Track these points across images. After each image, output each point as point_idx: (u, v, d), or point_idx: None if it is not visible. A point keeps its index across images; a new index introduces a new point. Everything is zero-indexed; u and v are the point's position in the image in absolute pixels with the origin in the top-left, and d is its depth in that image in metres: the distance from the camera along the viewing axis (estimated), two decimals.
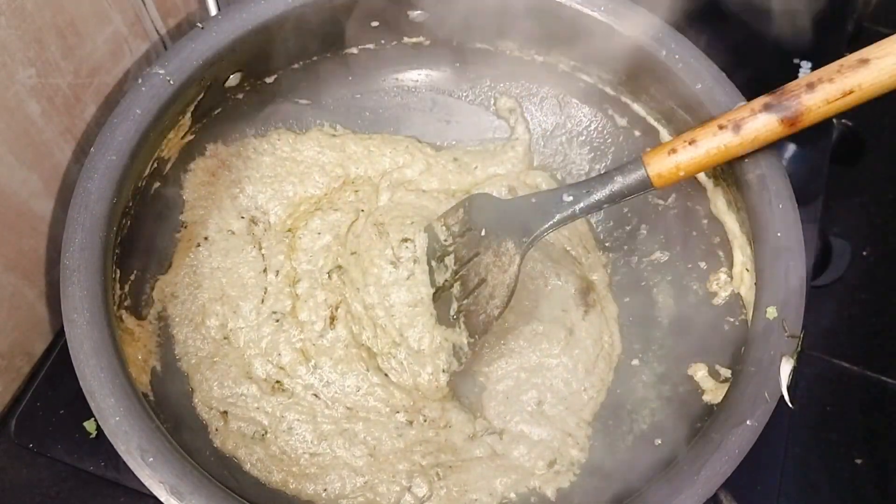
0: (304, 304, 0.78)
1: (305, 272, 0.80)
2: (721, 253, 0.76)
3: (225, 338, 0.77)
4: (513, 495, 0.72)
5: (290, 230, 0.83)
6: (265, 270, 0.80)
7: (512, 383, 0.77)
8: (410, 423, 0.74)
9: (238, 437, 0.72)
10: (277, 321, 0.77)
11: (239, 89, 0.81)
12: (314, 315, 0.78)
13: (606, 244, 0.86)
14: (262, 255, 0.81)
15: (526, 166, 0.88)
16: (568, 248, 0.84)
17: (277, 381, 0.75)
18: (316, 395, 0.75)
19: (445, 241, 0.76)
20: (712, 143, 0.63)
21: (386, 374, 0.75)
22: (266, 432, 0.73)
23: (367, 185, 0.85)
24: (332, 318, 0.77)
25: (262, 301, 0.78)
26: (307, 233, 0.82)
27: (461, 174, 0.87)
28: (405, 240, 0.76)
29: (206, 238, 0.80)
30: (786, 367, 0.61)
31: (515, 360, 0.78)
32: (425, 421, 0.74)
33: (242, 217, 0.82)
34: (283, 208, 0.84)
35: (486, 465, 0.73)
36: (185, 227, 0.80)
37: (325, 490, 0.71)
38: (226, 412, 0.73)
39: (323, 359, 0.76)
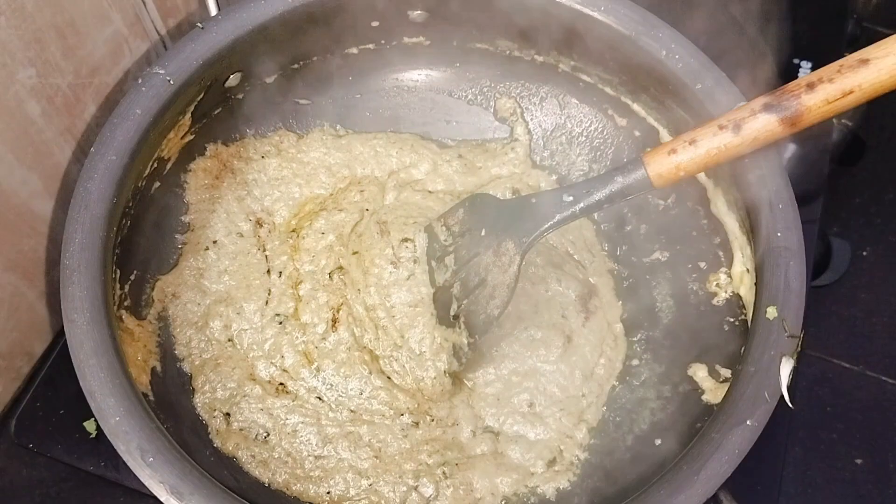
0: (307, 305, 0.78)
1: (308, 273, 0.80)
2: (721, 253, 0.76)
3: (229, 339, 0.77)
4: (513, 494, 0.72)
5: (294, 231, 0.83)
6: (269, 272, 0.80)
7: (502, 386, 0.76)
8: (416, 424, 0.74)
9: (240, 439, 0.72)
10: (280, 323, 0.77)
11: (239, 89, 0.81)
12: (316, 317, 0.78)
13: (607, 245, 0.86)
14: (266, 256, 0.81)
15: (527, 167, 0.88)
16: (572, 252, 0.84)
17: (281, 384, 0.75)
18: (319, 398, 0.75)
19: (445, 241, 0.76)
20: (712, 143, 0.63)
21: (389, 377, 0.75)
22: (269, 434, 0.72)
23: (373, 185, 0.85)
24: (335, 321, 0.77)
25: (266, 303, 0.78)
26: (311, 233, 0.82)
27: (467, 175, 0.87)
28: (405, 240, 0.76)
29: (214, 242, 0.80)
30: (786, 367, 0.61)
31: (508, 365, 0.77)
32: (433, 420, 0.74)
33: (249, 219, 0.82)
34: (288, 209, 0.84)
35: (488, 461, 0.72)
36: (192, 231, 0.80)
37: (328, 493, 0.70)
38: (228, 414, 0.73)
39: (326, 361, 0.76)
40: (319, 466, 0.72)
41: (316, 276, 0.80)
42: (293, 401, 0.74)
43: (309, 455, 0.72)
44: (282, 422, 0.73)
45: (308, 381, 0.76)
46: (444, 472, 0.71)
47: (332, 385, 0.75)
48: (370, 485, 0.71)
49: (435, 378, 0.73)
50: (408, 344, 0.74)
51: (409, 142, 0.88)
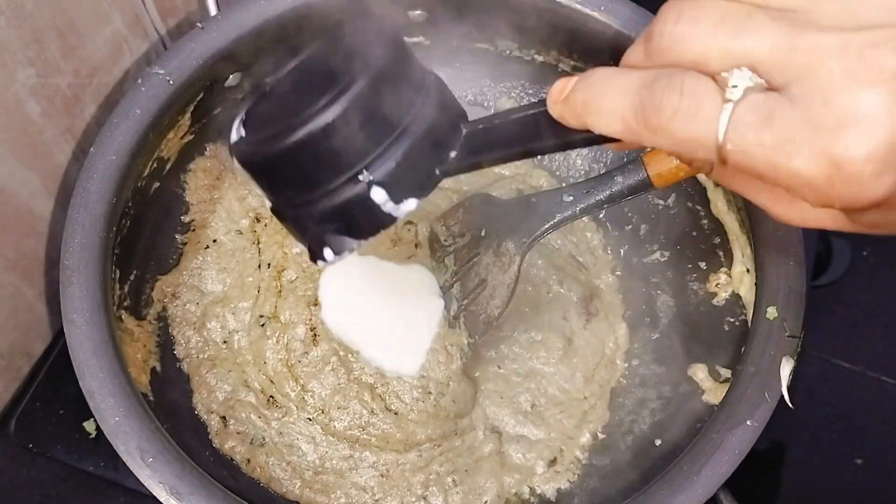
0: (285, 301, 0.75)
1: (294, 257, 0.77)
2: (721, 253, 0.76)
3: (224, 341, 0.75)
4: (514, 495, 0.72)
5: None
6: (259, 266, 0.78)
7: (504, 385, 0.76)
8: (438, 445, 0.71)
9: (237, 442, 0.71)
10: (262, 326, 0.75)
11: (239, 89, 0.80)
12: (294, 314, 0.74)
13: (608, 246, 0.85)
14: (259, 249, 0.79)
15: (530, 166, 0.88)
16: (575, 254, 0.83)
17: (271, 396, 0.73)
18: (310, 419, 0.72)
19: (445, 241, 0.76)
20: None
21: (396, 413, 0.72)
22: (265, 442, 0.71)
23: None
24: (314, 332, 0.74)
25: (255, 302, 0.76)
26: None
27: (473, 174, 0.85)
28: (409, 223, 0.76)
29: (214, 241, 0.79)
30: (786, 368, 0.61)
31: (509, 366, 0.77)
32: (456, 434, 0.72)
33: (249, 215, 0.81)
34: None
35: (493, 462, 0.72)
36: (192, 231, 0.79)
37: None
38: (224, 417, 0.72)
39: (312, 383, 0.72)
40: (319, 481, 0.70)
41: (301, 257, 0.77)
42: (284, 415, 0.72)
43: (307, 469, 0.70)
44: (277, 433, 0.71)
45: (294, 399, 0.72)
46: (453, 480, 0.70)
47: (322, 411, 0.72)
48: (376, 501, 0.69)
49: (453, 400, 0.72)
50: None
51: None
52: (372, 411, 0.71)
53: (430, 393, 0.72)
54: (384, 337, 0.73)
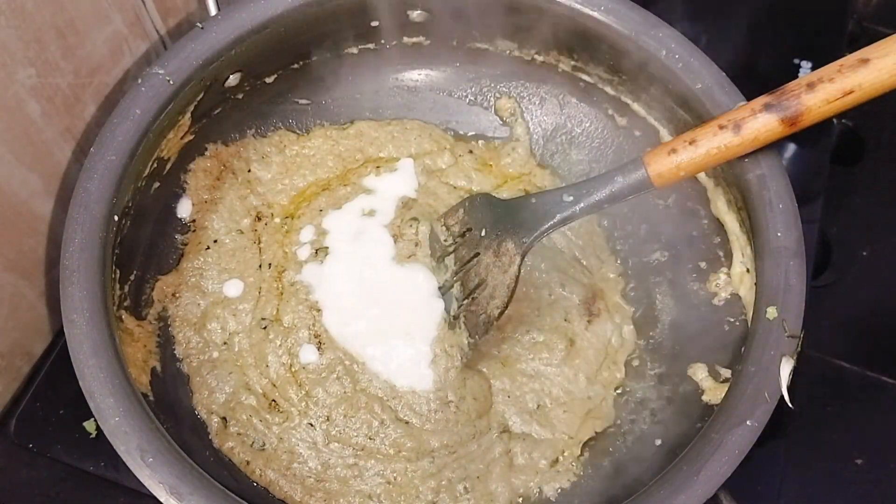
0: (287, 304, 0.75)
1: (293, 255, 0.77)
2: (721, 253, 0.76)
3: (224, 343, 0.75)
4: (517, 496, 0.71)
5: (290, 216, 0.81)
6: (260, 266, 0.78)
7: (510, 383, 0.76)
8: (453, 452, 0.70)
9: (237, 443, 0.70)
10: (265, 328, 0.75)
11: (239, 89, 0.81)
12: (297, 318, 0.74)
13: (608, 246, 0.85)
14: (260, 248, 0.79)
15: (532, 166, 0.88)
16: (579, 256, 0.83)
17: (273, 400, 0.72)
18: (311, 425, 0.71)
19: (445, 241, 0.76)
20: (712, 143, 0.63)
21: (407, 422, 0.71)
22: (265, 445, 0.70)
23: (392, 164, 0.84)
24: (319, 340, 0.73)
25: (257, 303, 0.76)
26: (308, 211, 0.80)
27: (483, 174, 0.86)
28: (413, 219, 0.76)
29: (215, 241, 0.79)
30: (786, 367, 0.61)
31: (514, 365, 0.76)
32: (474, 438, 0.72)
33: (250, 214, 0.81)
34: (289, 198, 0.82)
35: (502, 463, 0.71)
36: (193, 231, 0.79)
37: None
38: (225, 418, 0.71)
39: (317, 389, 0.71)
40: (321, 488, 0.69)
41: (300, 256, 0.77)
42: (285, 420, 0.71)
43: (309, 476, 0.69)
44: (277, 438, 0.70)
45: (297, 405, 0.71)
46: (465, 487, 0.70)
47: (327, 418, 0.71)
48: None
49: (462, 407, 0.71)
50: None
51: (427, 130, 0.87)
52: (382, 422, 0.71)
53: (449, 402, 0.71)
54: (388, 349, 0.73)
